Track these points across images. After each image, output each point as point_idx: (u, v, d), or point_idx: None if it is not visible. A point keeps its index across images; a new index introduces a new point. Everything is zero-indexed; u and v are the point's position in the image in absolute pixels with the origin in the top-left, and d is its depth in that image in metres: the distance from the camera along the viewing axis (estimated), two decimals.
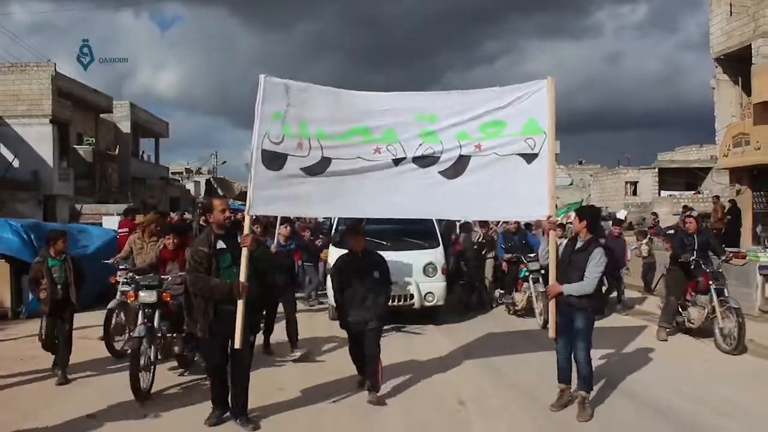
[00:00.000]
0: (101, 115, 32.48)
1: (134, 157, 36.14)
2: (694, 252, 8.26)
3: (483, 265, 11.51)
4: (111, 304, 7.09)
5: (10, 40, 74.75)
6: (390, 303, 8.87)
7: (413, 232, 9.64)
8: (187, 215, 16.97)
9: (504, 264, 10.71)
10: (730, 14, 16.72)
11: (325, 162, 5.63)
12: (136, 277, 6.48)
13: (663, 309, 8.81)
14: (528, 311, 10.08)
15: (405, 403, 5.82)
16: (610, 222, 12.14)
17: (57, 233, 6.78)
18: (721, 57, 17.21)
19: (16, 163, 21.60)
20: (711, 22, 17.31)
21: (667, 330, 8.53)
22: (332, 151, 5.66)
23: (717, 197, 17.69)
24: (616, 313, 10.56)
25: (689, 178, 38.30)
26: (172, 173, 46.58)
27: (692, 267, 8.26)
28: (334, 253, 9.27)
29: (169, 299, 6.36)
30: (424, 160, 5.74)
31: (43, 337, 6.59)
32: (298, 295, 12.06)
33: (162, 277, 6.51)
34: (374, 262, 6.05)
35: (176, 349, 6.57)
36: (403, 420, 5.46)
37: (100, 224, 15.99)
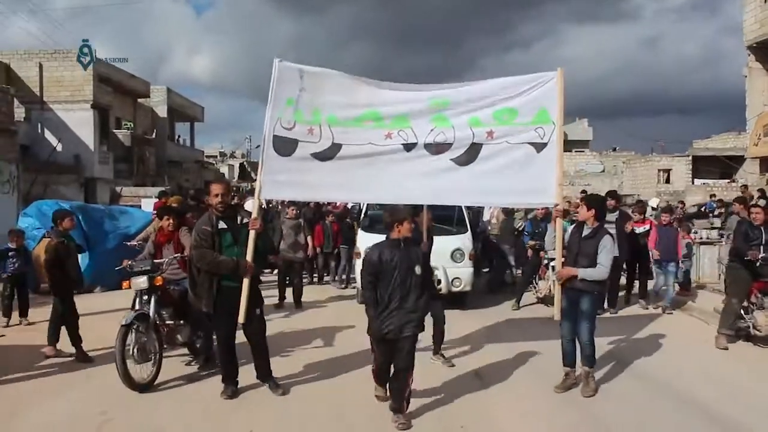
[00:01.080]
0: (138, 100, 33.38)
1: (170, 141, 37.03)
2: (761, 247, 7.34)
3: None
4: (126, 319, 5.70)
5: (53, 27, 76.33)
6: None
7: (442, 218, 9.25)
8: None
9: (528, 251, 10.75)
10: (765, 2, 16.54)
11: (335, 147, 5.76)
12: (132, 263, 6.29)
13: (723, 312, 7.76)
14: (552, 298, 10.09)
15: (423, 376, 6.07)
16: (630, 210, 11.54)
17: (64, 212, 7.06)
18: (755, 45, 17.08)
19: (59, 147, 22.46)
20: (745, 9, 17.15)
21: (728, 336, 7.57)
22: (343, 136, 5.78)
23: (745, 186, 17.60)
24: (641, 307, 10.08)
25: (724, 166, 37.66)
26: (206, 156, 47.52)
27: (758, 265, 7.35)
28: (363, 239, 9.62)
29: (160, 283, 6.11)
30: (436, 147, 5.84)
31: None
32: (327, 278, 12.72)
33: (155, 261, 6.33)
34: (417, 253, 5.05)
35: (180, 337, 6.40)
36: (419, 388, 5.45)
37: (139, 206, 16.66)
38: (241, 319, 5.33)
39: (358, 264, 9.35)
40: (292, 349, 7.11)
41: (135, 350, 5.62)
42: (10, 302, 8.55)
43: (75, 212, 10.62)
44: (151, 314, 5.93)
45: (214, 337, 5.89)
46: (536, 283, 10.48)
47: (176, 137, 39.62)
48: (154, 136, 33.46)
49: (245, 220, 5.53)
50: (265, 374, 5.65)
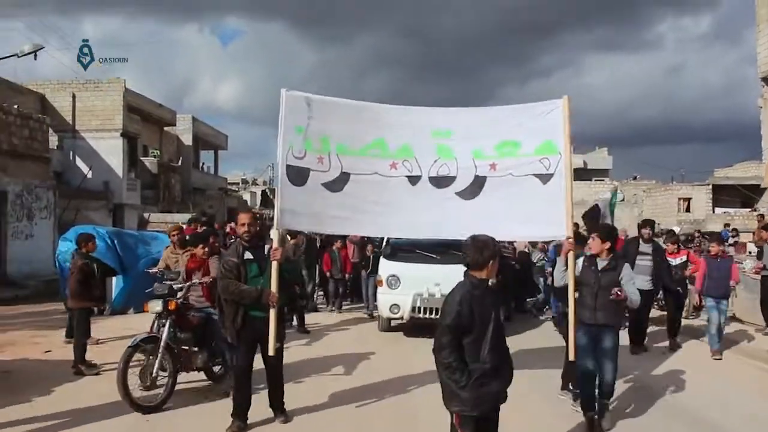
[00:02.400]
0: (165, 128, 34.34)
1: (195, 168, 37.91)
2: None
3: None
4: (133, 340, 5.84)
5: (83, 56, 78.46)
6: (438, 316, 9.06)
7: (457, 245, 9.48)
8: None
9: (549, 278, 10.36)
10: None
11: (344, 177, 5.77)
12: (157, 286, 6.33)
13: None
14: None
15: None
16: (662, 239, 10.94)
17: (87, 235, 7.84)
18: None
19: (89, 175, 23.24)
20: (758, 41, 17.47)
21: None
22: (351, 165, 5.79)
23: (762, 216, 17.72)
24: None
25: (745, 195, 37.50)
26: (229, 184, 48.42)
27: None
28: (385, 267, 9.84)
29: (174, 307, 6.06)
30: (440, 180, 5.81)
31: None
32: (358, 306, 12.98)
33: (174, 286, 6.31)
34: (498, 297, 4.16)
35: (198, 362, 6.33)
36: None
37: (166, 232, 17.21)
38: (271, 351, 5.32)
39: (380, 292, 9.76)
40: (307, 377, 7.11)
41: (140, 372, 5.73)
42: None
43: (111, 237, 11.26)
44: (163, 337, 5.92)
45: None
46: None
47: (201, 165, 40.50)
48: (179, 163, 34.31)
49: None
50: (278, 406, 5.61)
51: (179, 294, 6.28)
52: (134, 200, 26.05)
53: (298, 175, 5.65)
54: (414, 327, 9.73)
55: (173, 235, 9.00)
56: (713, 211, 36.77)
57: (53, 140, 22.97)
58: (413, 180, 5.83)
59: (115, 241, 11.30)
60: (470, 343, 3.60)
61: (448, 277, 8.81)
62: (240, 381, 5.43)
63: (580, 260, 5.57)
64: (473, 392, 3.56)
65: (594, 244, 5.60)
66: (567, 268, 5.47)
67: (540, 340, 9.59)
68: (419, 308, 9.27)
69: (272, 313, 5.29)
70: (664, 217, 37.81)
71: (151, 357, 5.82)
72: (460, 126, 5.89)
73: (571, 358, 5.43)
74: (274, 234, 5.57)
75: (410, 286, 9.42)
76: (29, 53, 15.34)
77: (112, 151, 24.97)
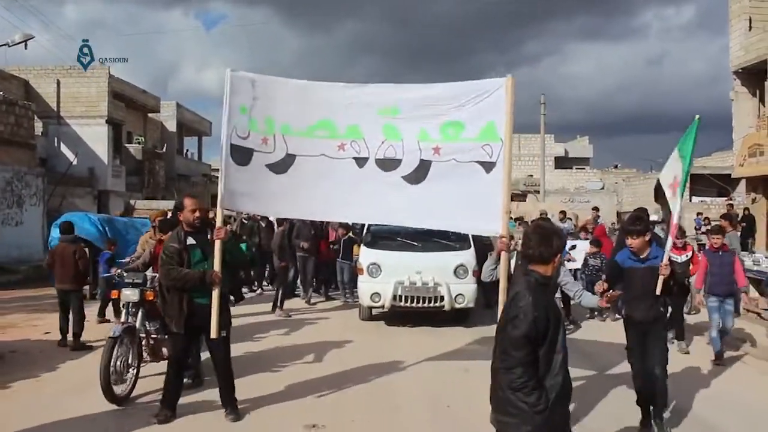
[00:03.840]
0: (149, 115, 34.34)
1: (179, 154, 37.97)
2: None
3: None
4: (113, 331, 5.74)
5: (66, 41, 77.65)
6: (419, 305, 9.08)
7: (444, 234, 9.26)
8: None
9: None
10: (749, 29, 17.43)
11: (289, 159, 5.59)
12: (124, 274, 6.29)
13: None
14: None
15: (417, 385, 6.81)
16: (659, 227, 10.23)
17: (67, 222, 8.61)
18: (740, 70, 17.94)
19: (75, 161, 23.35)
20: (731, 36, 18.03)
21: None
22: (296, 147, 5.61)
23: (731, 205, 18.39)
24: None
25: (724, 184, 38.33)
26: (213, 170, 48.40)
27: None
28: (365, 253, 9.65)
29: (152, 298, 5.95)
30: (386, 163, 5.59)
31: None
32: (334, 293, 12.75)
33: (147, 275, 6.23)
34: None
35: (165, 351, 6.11)
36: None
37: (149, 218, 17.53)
38: (213, 334, 5.13)
39: (361, 280, 9.57)
40: (282, 366, 7.02)
41: (119, 363, 5.61)
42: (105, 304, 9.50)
43: (103, 223, 11.61)
44: (137, 328, 5.93)
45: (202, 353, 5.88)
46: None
47: (185, 151, 40.54)
48: (163, 150, 34.36)
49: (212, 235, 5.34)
50: (227, 399, 5.39)
51: (150, 283, 6.12)
52: (119, 187, 26.19)
53: (241, 155, 5.50)
54: (395, 315, 9.64)
55: (156, 221, 8.79)
56: (690, 200, 37.62)
57: (38, 126, 23.04)
58: (360, 162, 5.60)
59: (106, 227, 11.67)
60: (543, 354, 3.03)
61: (429, 265, 9.20)
62: (175, 370, 5.32)
63: (513, 257, 5.23)
64: (550, 415, 2.99)
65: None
66: (497, 265, 5.24)
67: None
68: (401, 297, 9.12)
69: (215, 294, 5.14)
70: (644, 205, 38.45)
71: (127, 348, 5.77)
72: (406, 103, 5.59)
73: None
74: (218, 214, 5.44)
75: (391, 274, 9.25)
76: (20, 42, 15.46)
77: (97, 137, 25.05)
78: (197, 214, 5.31)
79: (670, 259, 5.23)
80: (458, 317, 9.56)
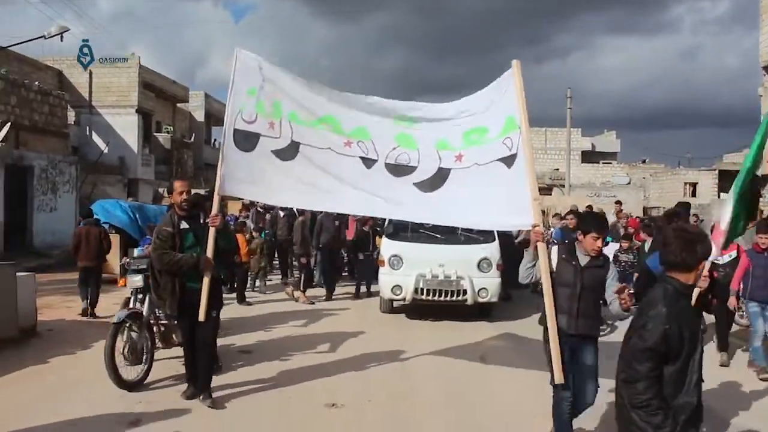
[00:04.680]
0: (178, 105, 34.92)
1: (207, 144, 38.56)
2: None
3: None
4: (117, 317, 5.71)
5: (97, 30, 78.90)
6: (441, 298, 8.91)
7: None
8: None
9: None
10: None
11: (294, 146, 5.38)
12: (129, 261, 6.39)
13: None
14: None
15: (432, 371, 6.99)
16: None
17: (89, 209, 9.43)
18: None
19: (106, 150, 23.92)
20: (761, 30, 17.77)
21: None
22: (302, 135, 5.39)
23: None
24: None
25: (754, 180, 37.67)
26: None
27: None
28: (387, 245, 9.49)
29: None
30: (398, 169, 5.35)
31: None
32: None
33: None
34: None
35: (176, 337, 6.28)
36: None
37: None
38: (201, 317, 5.10)
39: (382, 272, 9.39)
40: (294, 354, 6.99)
41: (126, 349, 5.64)
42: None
43: (134, 210, 12.00)
44: (144, 313, 5.96)
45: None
46: None
47: (212, 141, 41.16)
48: (192, 139, 34.93)
49: (206, 219, 5.29)
50: (202, 383, 5.35)
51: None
52: (148, 175, 26.76)
53: (246, 140, 5.32)
54: (416, 309, 9.44)
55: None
56: (719, 196, 37.13)
57: (70, 116, 23.62)
58: (368, 162, 5.38)
59: (137, 215, 12.05)
60: (674, 372, 2.76)
61: (452, 257, 9.01)
62: (188, 352, 5.48)
63: (555, 251, 4.56)
64: None
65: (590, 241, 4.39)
66: (535, 263, 4.49)
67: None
68: (422, 290, 8.93)
69: (205, 280, 5.11)
70: (670, 201, 38.18)
71: (135, 333, 5.78)
72: (425, 117, 5.41)
73: (558, 380, 4.25)
74: (214, 201, 5.29)
75: (413, 266, 9.07)
76: (56, 35, 15.90)
77: (127, 126, 25.63)
78: (184, 196, 5.25)
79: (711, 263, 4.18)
80: (481, 311, 9.36)
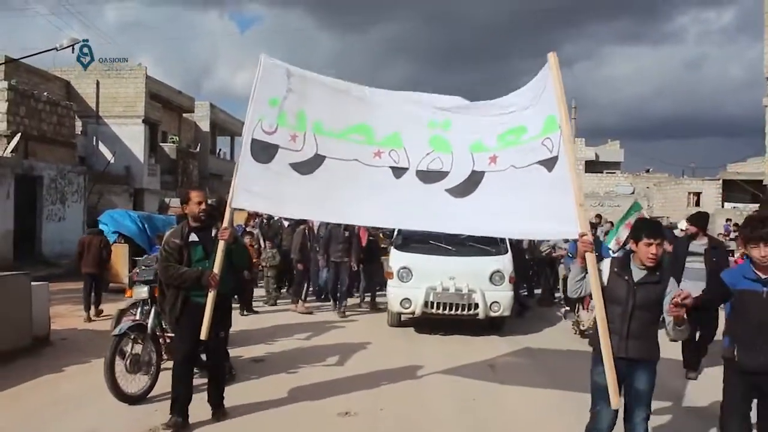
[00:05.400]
0: (183, 115, 35.10)
1: (212, 154, 38.71)
2: None
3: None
4: (119, 329, 5.62)
5: (104, 40, 79.60)
6: (452, 312, 8.65)
7: (480, 238, 8.74)
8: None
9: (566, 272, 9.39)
10: None
11: (318, 160, 5.12)
12: (137, 272, 6.32)
13: None
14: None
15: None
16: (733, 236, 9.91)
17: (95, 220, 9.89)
18: None
19: (113, 160, 24.07)
20: (766, 41, 17.88)
21: None
22: (327, 148, 5.14)
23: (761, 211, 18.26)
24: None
25: (757, 190, 37.77)
26: None
27: None
28: (395, 257, 9.24)
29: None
30: (429, 175, 5.07)
31: None
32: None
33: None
34: None
35: None
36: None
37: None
38: (202, 335, 4.81)
39: (390, 285, 9.12)
40: (297, 369, 6.85)
41: (128, 361, 5.51)
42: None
43: (142, 220, 12.10)
44: (149, 325, 5.82)
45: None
46: (578, 315, 9.07)
47: (218, 151, 41.31)
48: (197, 149, 35.08)
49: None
50: (215, 405, 5.25)
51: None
52: (154, 185, 26.91)
53: (263, 152, 5.05)
54: (425, 322, 9.22)
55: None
56: (723, 206, 37.17)
57: (77, 126, 23.79)
58: (398, 172, 5.12)
59: (146, 225, 12.16)
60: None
61: (464, 270, 8.77)
62: (179, 372, 5.05)
63: (606, 264, 4.13)
64: None
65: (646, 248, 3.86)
66: (584, 276, 4.07)
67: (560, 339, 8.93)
68: (432, 303, 8.66)
69: (210, 295, 4.82)
70: (674, 210, 38.22)
71: (137, 346, 5.64)
72: (460, 117, 5.14)
73: (616, 404, 3.84)
74: (226, 213, 5.06)
75: (423, 279, 8.78)
76: (68, 47, 16.09)
77: (133, 136, 25.82)
78: (203, 206, 5.06)
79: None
80: (492, 326, 9.15)
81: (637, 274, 3.90)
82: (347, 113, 5.23)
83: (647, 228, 3.95)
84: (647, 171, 52.02)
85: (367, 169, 5.14)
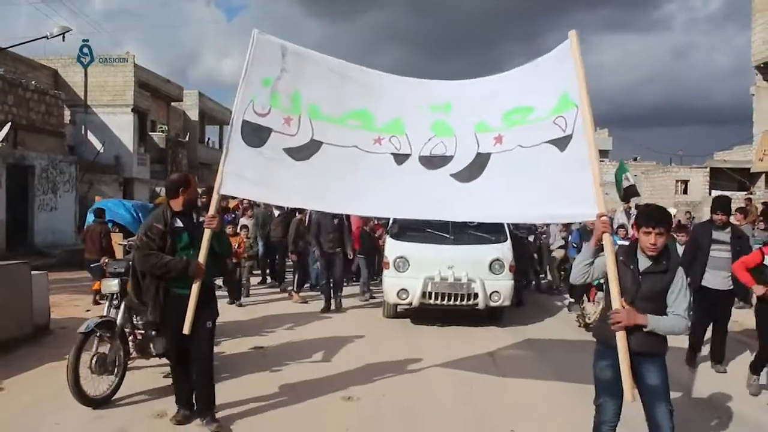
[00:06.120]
0: (172, 104, 34.89)
1: (201, 143, 38.54)
2: None
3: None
4: (86, 326, 5.15)
5: (93, 29, 78.78)
6: (451, 302, 8.44)
7: (479, 225, 8.64)
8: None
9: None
10: None
11: (314, 145, 4.85)
12: (108, 261, 5.91)
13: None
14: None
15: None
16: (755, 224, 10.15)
17: (99, 209, 10.38)
18: (761, 65, 18.00)
19: (102, 149, 23.95)
20: (753, 30, 18.07)
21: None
22: (324, 133, 4.88)
23: (749, 199, 18.46)
24: None
25: (744, 178, 38.18)
26: None
27: None
28: (392, 246, 9.01)
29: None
30: (433, 161, 4.84)
31: None
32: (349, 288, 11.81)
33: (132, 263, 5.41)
34: None
35: (155, 348, 5.47)
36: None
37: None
38: (185, 329, 4.47)
39: (386, 275, 8.91)
40: (286, 364, 6.61)
41: (94, 361, 5.10)
42: None
43: (137, 209, 12.14)
44: (118, 321, 5.43)
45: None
46: (583, 307, 8.88)
47: (206, 140, 41.13)
48: (186, 138, 34.92)
49: (201, 219, 4.74)
50: (204, 406, 4.80)
51: None
52: (144, 174, 26.80)
53: (255, 134, 4.75)
54: (422, 313, 9.01)
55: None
56: (710, 194, 37.52)
57: (66, 115, 23.62)
58: (399, 158, 4.90)
59: (140, 214, 12.20)
60: None
61: (462, 259, 8.52)
62: (177, 370, 4.88)
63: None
64: None
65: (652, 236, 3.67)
66: (594, 259, 3.85)
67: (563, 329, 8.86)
68: (430, 294, 8.43)
69: (194, 287, 4.52)
70: (661, 198, 38.55)
71: (104, 344, 5.28)
72: (462, 98, 4.92)
73: (630, 397, 3.63)
74: (213, 199, 4.75)
75: (420, 269, 8.56)
76: (58, 35, 15.98)
77: (122, 126, 25.68)
78: (198, 193, 4.81)
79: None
80: (492, 316, 8.96)
81: (643, 263, 3.73)
82: (346, 97, 4.98)
83: (645, 216, 3.77)
84: (635, 159, 52.36)
85: (366, 155, 4.91)
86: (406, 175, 4.85)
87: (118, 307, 5.62)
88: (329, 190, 4.89)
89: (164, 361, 5.70)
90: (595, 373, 3.87)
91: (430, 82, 5.17)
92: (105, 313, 5.62)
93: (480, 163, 4.72)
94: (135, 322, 5.80)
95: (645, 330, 3.60)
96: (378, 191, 4.87)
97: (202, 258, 4.55)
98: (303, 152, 4.83)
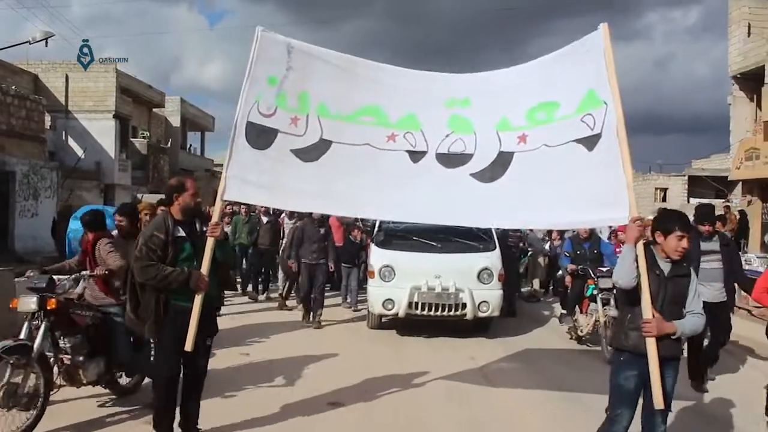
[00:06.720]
0: (153, 110, 34.70)
1: (182, 149, 38.35)
2: None
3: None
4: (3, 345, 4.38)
5: (72, 33, 78.05)
6: (438, 313, 8.19)
7: (467, 233, 8.45)
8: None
9: (567, 278, 8.81)
10: (748, 35, 17.90)
11: (324, 145, 4.60)
12: (32, 273, 5.14)
13: None
14: (594, 337, 8.03)
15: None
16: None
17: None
18: (738, 75, 18.41)
19: (83, 155, 23.74)
20: (730, 41, 18.48)
21: None
22: (335, 132, 4.63)
23: (728, 207, 18.83)
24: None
25: (721, 186, 38.83)
26: (215, 165, 48.87)
27: None
28: (377, 254, 8.72)
29: (54, 306, 4.65)
30: (451, 159, 4.57)
31: None
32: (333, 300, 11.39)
33: (54, 277, 4.92)
34: None
35: (90, 375, 4.93)
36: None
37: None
38: (188, 347, 4.20)
39: (372, 285, 8.58)
40: (246, 388, 6.04)
41: (1, 393, 4.28)
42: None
43: None
44: (35, 345, 4.52)
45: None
46: (575, 320, 8.50)
47: (188, 146, 40.93)
48: (168, 144, 34.73)
49: (204, 228, 4.45)
50: (192, 424, 4.54)
51: (66, 288, 5.06)
52: (125, 181, 26.61)
53: (260, 136, 4.49)
54: (408, 324, 8.68)
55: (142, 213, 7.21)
56: (688, 201, 38.09)
57: (46, 120, 23.40)
58: (415, 156, 4.62)
59: None
60: None
61: (450, 268, 8.25)
62: (167, 391, 4.40)
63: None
64: None
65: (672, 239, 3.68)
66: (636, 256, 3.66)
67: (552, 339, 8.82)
68: (417, 304, 8.13)
69: (197, 299, 4.23)
70: (642, 206, 39.03)
71: (18, 373, 4.44)
72: (482, 92, 4.67)
73: (660, 404, 3.56)
74: (216, 206, 4.56)
75: (407, 278, 8.26)
76: (41, 40, 15.88)
77: (104, 132, 25.47)
78: (199, 199, 4.51)
79: None
80: (480, 326, 8.66)
81: (665, 267, 3.72)
82: (356, 93, 4.73)
83: (680, 220, 3.72)
84: None
85: (380, 153, 4.65)
86: (423, 174, 4.60)
87: (38, 328, 4.63)
88: (339, 192, 4.66)
89: (98, 389, 5.27)
90: (616, 383, 3.74)
91: (445, 75, 4.94)
92: (22, 336, 4.61)
93: (502, 162, 4.48)
94: (62, 345, 4.91)
95: (672, 337, 3.59)
96: (393, 193, 4.64)
97: (205, 269, 4.29)
98: (311, 153, 4.60)
